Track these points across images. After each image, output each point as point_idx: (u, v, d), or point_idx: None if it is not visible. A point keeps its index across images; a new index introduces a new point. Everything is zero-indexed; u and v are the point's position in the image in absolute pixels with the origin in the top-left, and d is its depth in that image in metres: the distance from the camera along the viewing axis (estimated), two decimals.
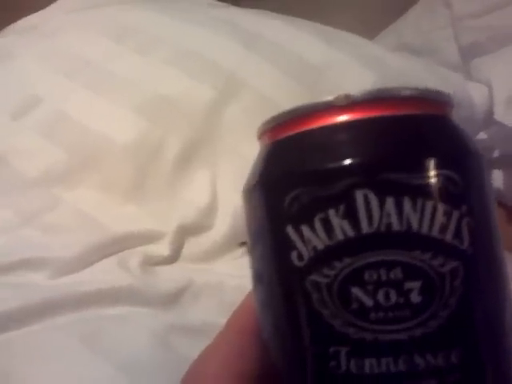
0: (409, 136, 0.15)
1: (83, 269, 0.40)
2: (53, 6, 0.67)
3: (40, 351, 0.33)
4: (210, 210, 0.48)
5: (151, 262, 0.43)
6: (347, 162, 0.15)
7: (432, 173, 0.15)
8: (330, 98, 0.16)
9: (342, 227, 0.15)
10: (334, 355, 0.15)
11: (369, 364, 0.14)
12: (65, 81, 0.52)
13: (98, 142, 0.49)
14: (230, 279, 0.42)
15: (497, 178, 0.57)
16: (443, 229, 0.15)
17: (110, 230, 0.45)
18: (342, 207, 0.15)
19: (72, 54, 0.55)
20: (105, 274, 0.40)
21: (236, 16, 0.58)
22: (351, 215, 0.15)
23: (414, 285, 0.14)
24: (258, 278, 0.18)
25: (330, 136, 0.16)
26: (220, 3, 0.66)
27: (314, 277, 0.15)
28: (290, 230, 0.16)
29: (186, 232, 0.47)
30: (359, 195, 0.15)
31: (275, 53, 0.52)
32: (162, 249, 0.45)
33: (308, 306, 0.15)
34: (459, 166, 0.15)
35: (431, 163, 0.15)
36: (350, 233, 0.15)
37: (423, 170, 0.15)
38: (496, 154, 0.58)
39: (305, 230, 0.15)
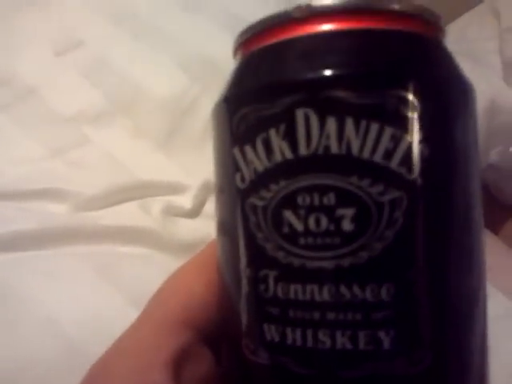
0: (355, 49, 0.14)
1: (104, 208, 0.41)
2: None
3: (52, 272, 0.34)
4: None
5: (172, 212, 0.43)
6: (289, 78, 0.14)
7: (380, 92, 0.13)
8: (288, 9, 0.15)
9: (280, 148, 0.14)
10: (263, 279, 0.14)
11: (294, 290, 0.14)
12: (110, 28, 0.54)
13: (136, 89, 0.50)
14: None
15: None
16: (388, 154, 0.13)
17: (135, 175, 0.45)
18: (282, 127, 0.14)
19: (119, 2, 0.56)
20: (125, 214, 0.41)
21: None
22: (290, 136, 0.14)
23: (347, 212, 0.13)
24: (217, 192, 0.17)
25: (281, 51, 0.15)
26: None
27: (252, 199, 0.15)
28: (236, 150, 0.15)
29: (211, 190, 0.46)
30: (300, 114, 0.14)
31: None
32: (185, 201, 0.45)
33: (246, 229, 0.15)
34: (419, 88, 0.14)
35: (379, 80, 0.13)
36: (288, 154, 0.14)
37: (369, 88, 0.13)
38: None
39: (248, 151, 0.15)
